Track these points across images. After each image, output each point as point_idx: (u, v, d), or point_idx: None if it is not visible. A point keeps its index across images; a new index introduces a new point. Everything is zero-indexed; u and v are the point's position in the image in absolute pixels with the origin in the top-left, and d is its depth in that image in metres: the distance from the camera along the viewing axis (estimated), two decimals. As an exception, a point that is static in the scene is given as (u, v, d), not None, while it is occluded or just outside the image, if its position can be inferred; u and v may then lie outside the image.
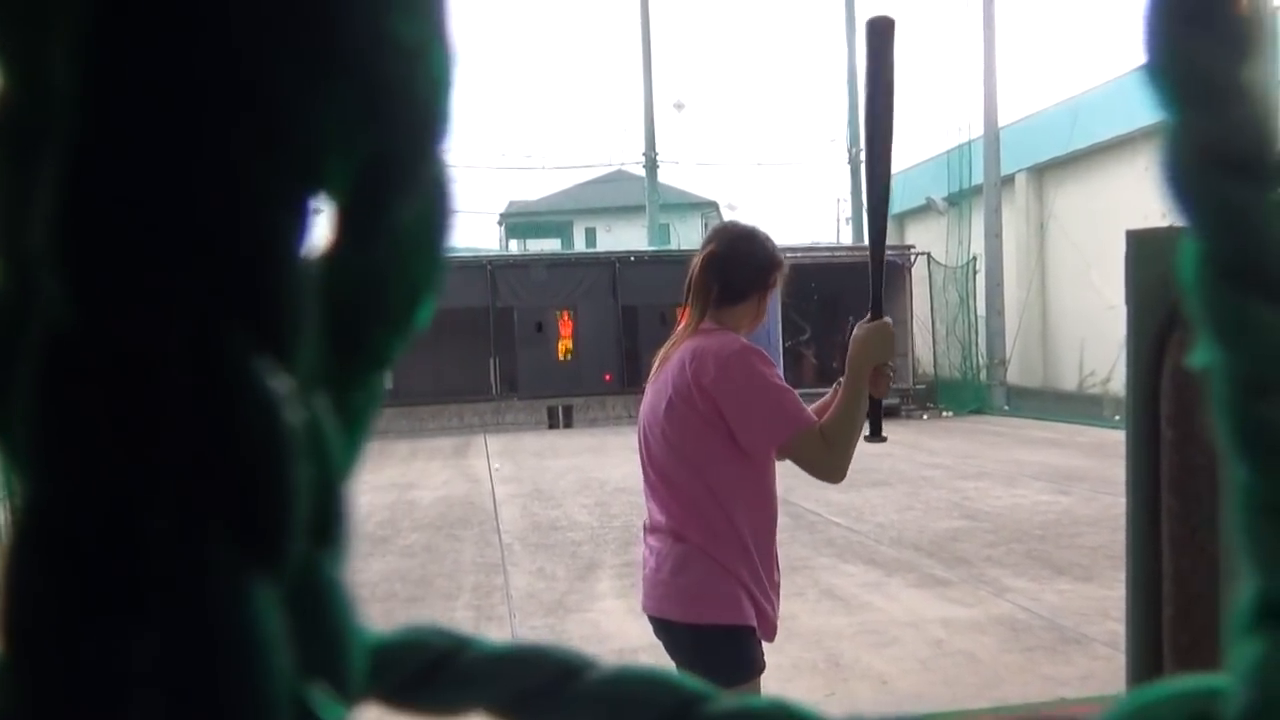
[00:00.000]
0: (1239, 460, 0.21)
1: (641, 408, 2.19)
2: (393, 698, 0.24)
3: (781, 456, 2.07)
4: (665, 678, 0.25)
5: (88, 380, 0.15)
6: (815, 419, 2.02)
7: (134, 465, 0.15)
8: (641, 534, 2.20)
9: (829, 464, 2.01)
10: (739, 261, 2.12)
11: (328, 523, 0.17)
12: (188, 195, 0.15)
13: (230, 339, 0.15)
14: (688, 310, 2.15)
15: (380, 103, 0.17)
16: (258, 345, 0.15)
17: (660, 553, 2.06)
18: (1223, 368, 0.21)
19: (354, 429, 0.19)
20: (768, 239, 2.19)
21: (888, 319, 2.06)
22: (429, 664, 0.24)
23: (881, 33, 1.97)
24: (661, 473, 2.08)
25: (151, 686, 0.14)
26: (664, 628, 2.06)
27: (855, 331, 2.05)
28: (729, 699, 0.23)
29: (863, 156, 2.09)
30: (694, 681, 0.25)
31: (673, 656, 2.07)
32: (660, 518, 2.09)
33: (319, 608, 0.17)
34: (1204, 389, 0.22)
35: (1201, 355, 0.21)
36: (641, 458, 2.16)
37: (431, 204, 0.19)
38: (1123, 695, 0.22)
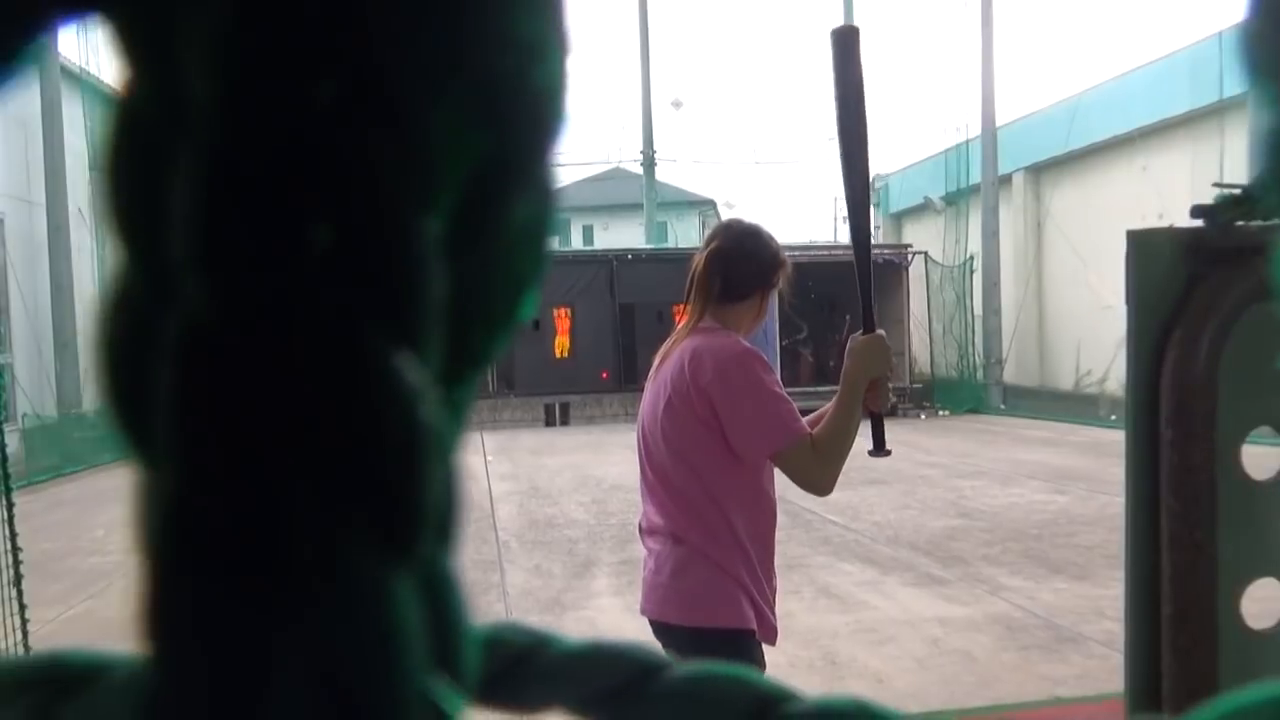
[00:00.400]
0: None
1: (641, 407, 2.18)
2: (474, 696, 0.25)
3: (772, 465, 2.05)
4: (745, 677, 0.25)
5: (233, 375, 0.15)
6: (809, 430, 1.99)
7: (278, 460, 0.15)
8: (638, 533, 2.18)
9: (818, 477, 1.99)
10: (743, 259, 2.10)
11: (445, 518, 0.17)
12: (327, 196, 0.15)
13: (372, 335, 0.15)
14: (688, 307, 2.14)
15: (499, 102, 0.17)
16: (398, 342, 0.16)
17: (660, 555, 2.04)
18: None
19: (455, 426, 0.19)
20: (771, 238, 2.17)
21: (881, 332, 2.04)
22: (510, 661, 0.25)
23: (846, 42, 1.93)
24: (660, 473, 2.07)
25: (296, 681, 0.15)
26: (664, 631, 2.05)
27: (850, 345, 2.04)
28: (808, 699, 0.24)
29: (840, 173, 2.05)
30: (772, 682, 0.25)
31: None
32: (658, 519, 2.07)
33: (439, 601, 0.17)
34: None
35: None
36: (640, 457, 2.14)
37: (540, 202, 0.19)
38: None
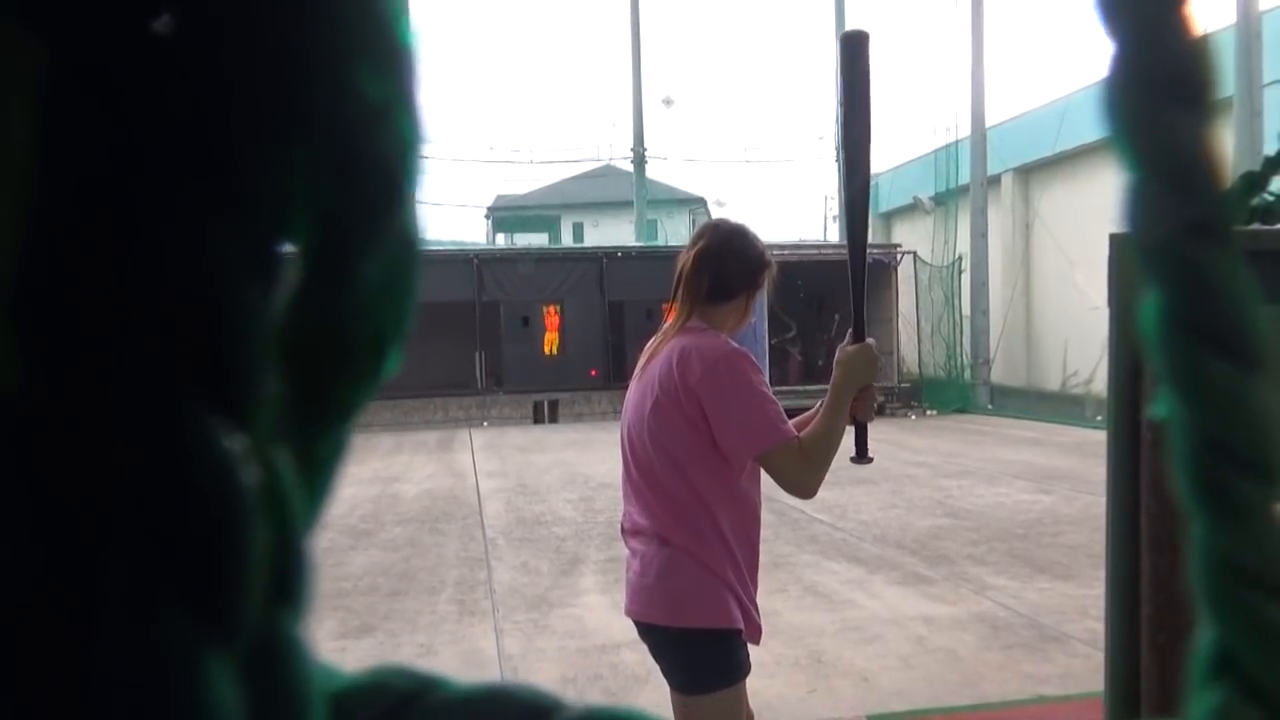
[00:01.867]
0: (1197, 516, 0.21)
1: (625, 405, 2.17)
2: None
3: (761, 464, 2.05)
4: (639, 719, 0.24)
5: (34, 439, 0.14)
6: (795, 432, 1.99)
7: (82, 531, 0.14)
8: (620, 534, 2.18)
9: (803, 479, 1.99)
10: (731, 259, 2.10)
11: (287, 581, 0.17)
12: (140, 259, 0.15)
13: (183, 402, 0.15)
14: (675, 306, 2.13)
15: (343, 160, 0.17)
16: (211, 407, 0.15)
17: (645, 556, 2.03)
18: (1181, 424, 0.21)
19: (318, 481, 0.18)
20: (757, 238, 2.17)
21: (871, 341, 2.04)
22: (392, 707, 0.24)
23: (856, 47, 1.93)
24: (645, 472, 2.06)
25: None
26: (649, 632, 2.04)
27: (838, 354, 2.04)
28: None
29: (840, 177, 2.06)
30: None
31: (658, 660, 2.06)
32: (642, 520, 2.06)
33: (277, 668, 0.17)
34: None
35: (1162, 408, 0.22)
36: (624, 456, 2.13)
37: (398, 259, 0.19)
38: None
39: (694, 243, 2.15)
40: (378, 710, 0.24)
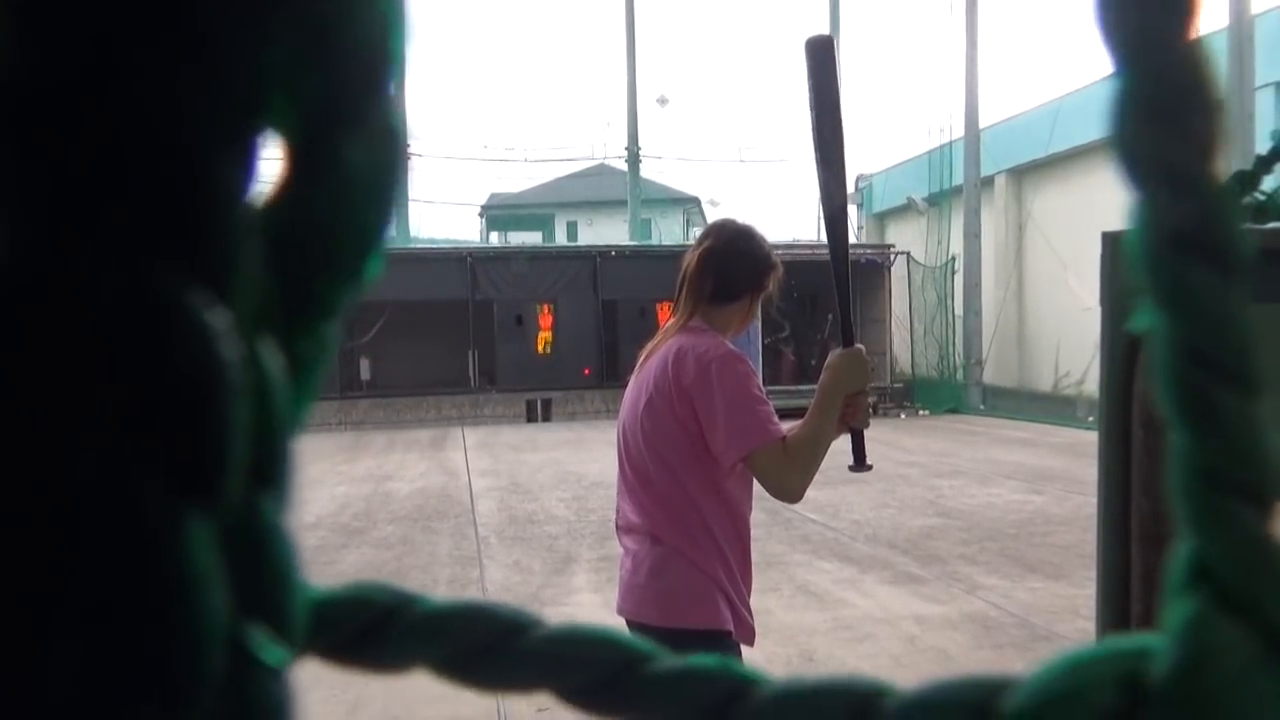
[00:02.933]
0: (1177, 425, 0.21)
1: (622, 403, 2.17)
2: (335, 654, 0.23)
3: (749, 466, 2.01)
4: (611, 636, 0.25)
5: (7, 304, 0.14)
6: (784, 434, 1.97)
7: (63, 394, 0.14)
8: (614, 531, 2.18)
9: (785, 482, 1.96)
10: (736, 260, 2.08)
11: (269, 465, 0.17)
12: (121, 130, 0.14)
13: (162, 272, 0.15)
14: (678, 306, 2.11)
15: (324, 40, 0.17)
16: (191, 279, 0.15)
17: (637, 555, 2.03)
18: (1163, 334, 0.21)
19: (302, 379, 0.18)
20: (764, 239, 2.15)
21: (860, 347, 2.01)
22: (373, 620, 0.24)
23: (821, 52, 1.89)
24: (639, 471, 2.06)
25: (78, 621, 0.14)
26: (641, 631, 2.04)
27: (828, 359, 2.01)
28: (672, 658, 0.23)
29: (816, 185, 1.99)
30: (640, 641, 0.24)
31: None
32: (636, 518, 2.05)
33: (258, 550, 0.17)
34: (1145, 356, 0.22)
35: (1143, 319, 0.22)
36: (620, 455, 2.13)
37: (382, 148, 0.18)
38: (1056, 655, 0.22)
39: (699, 243, 2.14)
40: (359, 623, 0.24)
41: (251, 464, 0.16)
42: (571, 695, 0.23)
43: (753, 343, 13.29)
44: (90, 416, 0.14)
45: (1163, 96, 0.21)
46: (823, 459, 1.98)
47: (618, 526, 2.14)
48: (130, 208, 0.15)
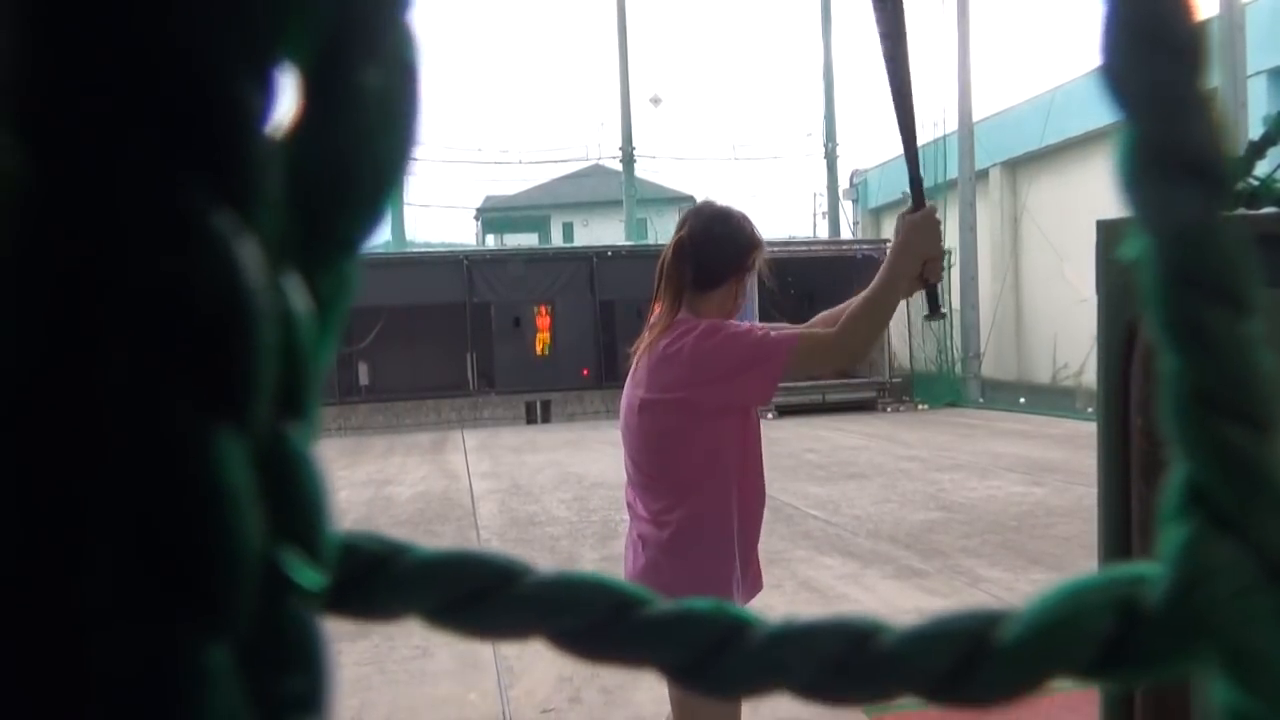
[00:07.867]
0: (1169, 350, 0.21)
1: (621, 403, 2.17)
2: (325, 604, 0.24)
3: (796, 376, 2.01)
4: (604, 581, 0.24)
5: (38, 222, 0.14)
6: (796, 332, 1.99)
7: (93, 314, 0.14)
8: (625, 528, 2.18)
9: (850, 344, 1.94)
10: (713, 244, 2.04)
11: (297, 396, 0.16)
12: (148, 51, 0.14)
13: (190, 189, 0.15)
14: (660, 301, 2.08)
15: None
16: (219, 202, 0.15)
17: (640, 549, 2.05)
18: (1152, 257, 0.21)
19: (325, 316, 0.18)
20: (744, 219, 2.11)
21: (934, 204, 1.96)
22: (363, 569, 0.23)
23: None
24: (640, 468, 2.06)
25: (105, 527, 0.14)
26: None
27: (902, 221, 1.97)
28: (665, 603, 0.23)
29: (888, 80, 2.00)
30: (632, 586, 0.24)
31: None
32: (641, 513, 2.07)
33: (289, 478, 0.16)
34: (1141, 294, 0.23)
35: (1131, 247, 0.22)
36: (625, 450, 2.14)
37: (398, 77, 0.18)
38: (1053, 585, 0.23)
39: (676, 231, 2.11)
40: (349, 571, 0.23)
41: (279, 394, 0.16)
42: (564, 640, 0.23)
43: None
44: (118, 328, 0.14)
45: (1149, 19, 0.22)
46: (887, 321, 1.99)
47: (629, 505, 2.15)
48: (158, 128, 0.15)
